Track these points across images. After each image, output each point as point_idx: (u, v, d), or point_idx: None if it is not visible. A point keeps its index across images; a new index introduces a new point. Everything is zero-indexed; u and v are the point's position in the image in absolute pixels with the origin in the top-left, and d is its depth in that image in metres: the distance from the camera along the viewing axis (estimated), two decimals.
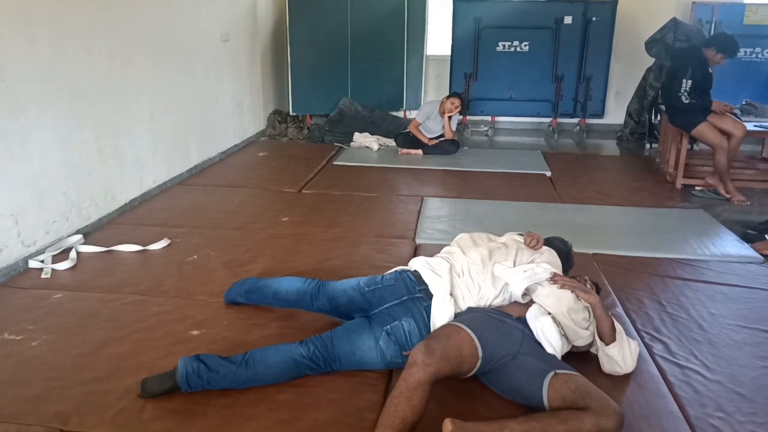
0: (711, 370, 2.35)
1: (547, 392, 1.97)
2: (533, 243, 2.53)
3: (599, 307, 2.26)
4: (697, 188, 4.93)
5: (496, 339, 2.11)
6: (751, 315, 2.81)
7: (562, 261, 2.54)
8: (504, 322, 2.20)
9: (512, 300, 2.36)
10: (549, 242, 2.63)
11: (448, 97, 5.97)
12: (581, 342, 2.27)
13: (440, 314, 2.28)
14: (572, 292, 2.26)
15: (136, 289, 2.93)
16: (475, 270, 2.41)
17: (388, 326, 2.27)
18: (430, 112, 5.99)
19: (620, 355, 2.25)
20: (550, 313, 2.22)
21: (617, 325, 2.32)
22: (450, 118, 5.93)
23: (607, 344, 2.26)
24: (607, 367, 2.28)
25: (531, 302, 2.31)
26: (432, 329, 2.25)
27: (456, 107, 5.89)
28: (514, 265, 2.38)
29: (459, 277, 2.41)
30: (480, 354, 2.05)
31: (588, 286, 2.44)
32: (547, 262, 2.41)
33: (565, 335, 2.22)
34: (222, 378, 2.12)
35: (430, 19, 7.55)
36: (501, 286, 2.36)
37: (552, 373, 2.00)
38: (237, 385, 2.14)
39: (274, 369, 2.18)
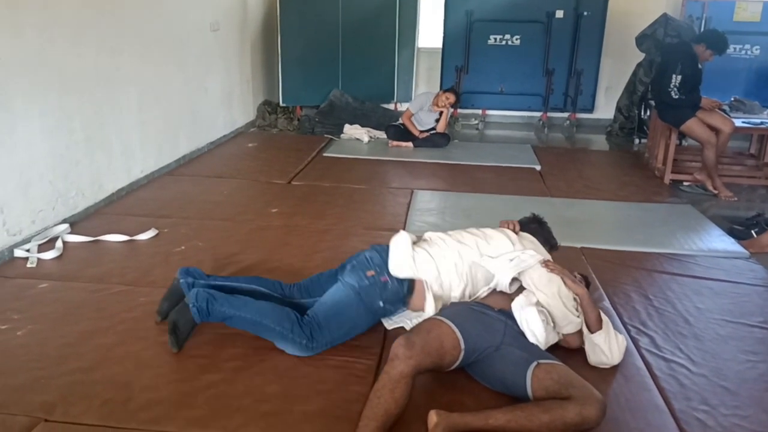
0: (696, 364, 2.37)
1: (531, 382, 1.99)
2: (510, 227, 2.56)
3: (586, 298, 2.28)
4: (685, 183, 4.96)
5: (478, 331, 2.13)
6: (736, 310, 2.83)
7: (542, 238, 2.58)
8: (486, 314, 2.22)
9: (498, 289, 2.37)
10: (522, 225, 2.66)
11: (444, 91, 5.96)
12: (570, 328, 2.27)
13: (396, 243, 2.43)
14: (561, 279, 2.28)
15: (122, 280, 2.92)
16: (446, 237, 2.52)
17: (354, 261, 2.46)
18: (423, 102, 5.98)
19: (606, 345, 2.27)
20: (537, 302, 2.23)
21: (604, 317, 2.34)
22: (442, 112, 5.93)
23: (592, 332, 2.27)
24: (593, 358, 2.29)
25: (516, 293, 2.32)
26: (389, 253, 2.41)
27: (449, 102, 5.88)
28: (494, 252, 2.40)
29: (428, 242, 2.51)
30: (462, 346, 2.06)
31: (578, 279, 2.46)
32: (533, 250, 2.42)
33: (553, 322, 2.23)
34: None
35: (421, 12, 7.53)
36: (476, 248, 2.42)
37: (535, 363, 2.02)
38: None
39: (256, 304, 2.33)
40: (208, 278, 2.60)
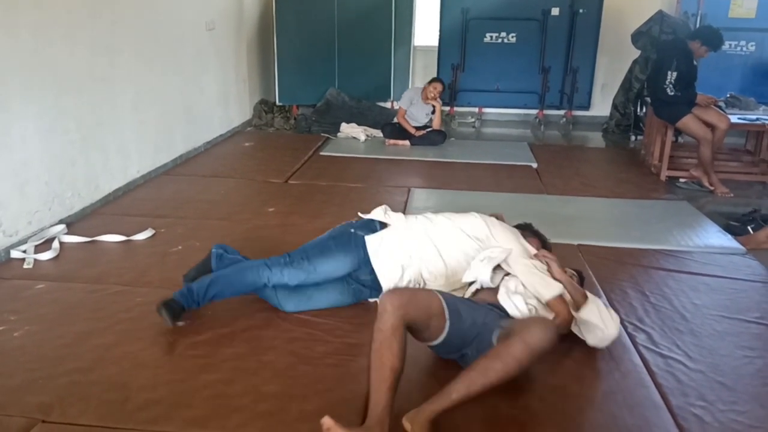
0: (693, 360, 2.37)
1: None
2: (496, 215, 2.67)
3: (569, 284, 2.32)
4: (681, 180, 4.97)
5: (464, 310, 2.13)
6: (733, 305, 2.84)
7: (530, 232, 2.64)
8: (472, 302, 2.26)
9: (484, 286, 2.40)
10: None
11: (429, 82, 5.96)
12: (553, 290, 2.28)
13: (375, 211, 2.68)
14: (548, 266, 2.34)
15: (119, 280, 2.91)
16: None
17: None
18: (412, 97, 5.99)
19: (598, 317, 2.28)
20: (517, 283, 2.29)
21: (591, 294, 2.37)
22: (434, 108, 5.94)
23: (580, 309, 2.29)
24: (590, 338, 2.30)
25: (501, 283, 2.37)
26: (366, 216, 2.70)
27: (438, 91, 5.88)
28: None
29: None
30: (447, 316, 2.06)
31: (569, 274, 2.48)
32: (500, 234, 2.48)
33: (536, 298, 2.28)
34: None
35: (417, 10, 7.53)
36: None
37: (497, 330, 2.05)
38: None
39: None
40: (236, 253, 2.81)
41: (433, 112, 5.98)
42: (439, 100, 5.98)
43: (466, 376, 1.84)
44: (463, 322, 2.10)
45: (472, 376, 1.83)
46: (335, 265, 2.56)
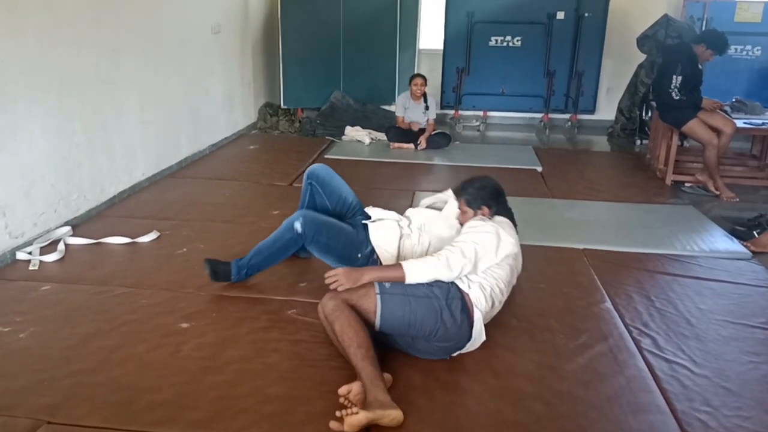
0: (698, 365, 2.37)
1: None
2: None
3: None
4: (686, 184, 4.96)
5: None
6: (738, 311, 2.83)
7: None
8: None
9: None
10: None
11: (410, 81, 5.97)
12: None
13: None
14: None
15: (124, 282, 2.92)
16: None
17: None
18: (404, 102, 6.03)
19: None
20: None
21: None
22: (428, 107, 5.98)
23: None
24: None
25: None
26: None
27: (421, 85, 5.89)
28: None
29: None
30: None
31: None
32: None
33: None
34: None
35: (422, 13, 7.53)
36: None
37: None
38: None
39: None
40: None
41: (428, 108, 6.00)
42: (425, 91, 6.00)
43: (344, 347, 2.12)
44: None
45: (345, 344, 2.11)
46: (339, 180, 3.27)
